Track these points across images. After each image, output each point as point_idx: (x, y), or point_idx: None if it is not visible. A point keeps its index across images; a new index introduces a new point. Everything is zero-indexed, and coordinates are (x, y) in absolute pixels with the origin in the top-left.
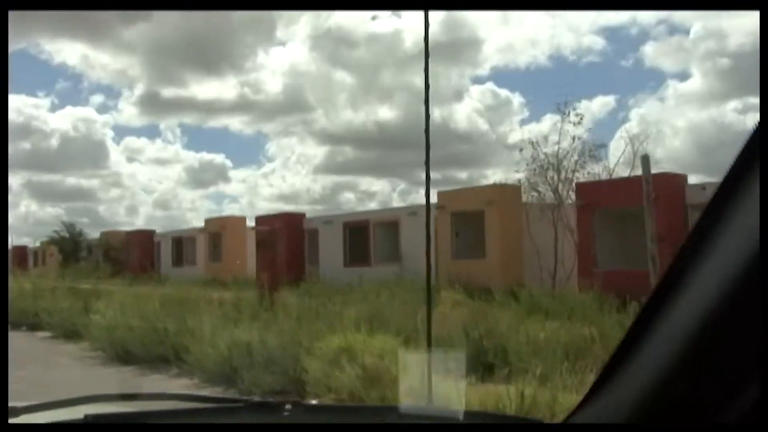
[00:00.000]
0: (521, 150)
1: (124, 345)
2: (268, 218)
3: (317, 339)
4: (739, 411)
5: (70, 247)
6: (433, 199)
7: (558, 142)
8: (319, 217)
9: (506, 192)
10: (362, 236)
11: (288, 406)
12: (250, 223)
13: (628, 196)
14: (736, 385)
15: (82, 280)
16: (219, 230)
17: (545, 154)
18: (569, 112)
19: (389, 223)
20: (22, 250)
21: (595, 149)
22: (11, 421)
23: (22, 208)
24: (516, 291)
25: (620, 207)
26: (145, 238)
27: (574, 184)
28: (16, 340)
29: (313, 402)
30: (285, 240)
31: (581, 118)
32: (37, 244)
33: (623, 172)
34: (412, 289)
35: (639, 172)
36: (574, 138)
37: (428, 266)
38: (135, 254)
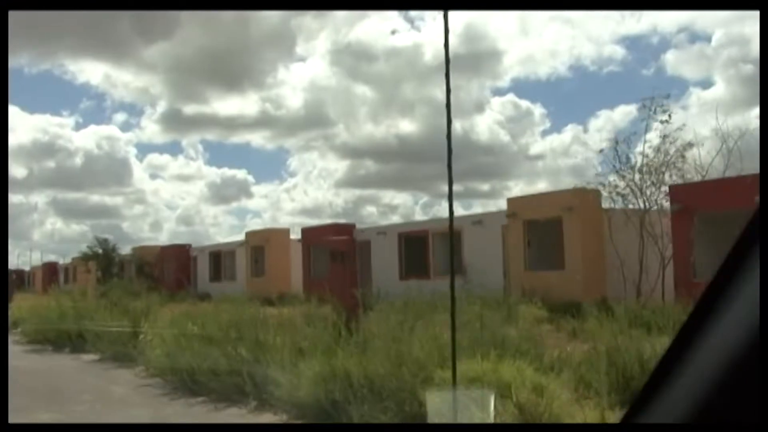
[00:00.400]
0: (601, 151)
1: (190, 372)
2: (316, 230)
3: (434, 366)
4: None
5: (104, 263)
6: (503, 205)
7: (643, 142)
8: (372, 228)
9: (586, 197)
10: (420, 247)
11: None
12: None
13: (735, 198)
14: None
15: (122, 297)
16: (261, 243)
17: (627, 156)
18: (655, 109)
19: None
20: (52, 267)
21: (684, 149)
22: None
23: (48, 225)
24: (612, 305)
25: (724, 210)
26: (180, 253)
27: (663, 187)
28: (60, 363)
29: None
30: (334, 251)
31: (670, 115)
32: (68, 260)
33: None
34: (488, 304)
35: (732, 173)
36: (664, 137)
37: (452, 283)
38: (170, 269)
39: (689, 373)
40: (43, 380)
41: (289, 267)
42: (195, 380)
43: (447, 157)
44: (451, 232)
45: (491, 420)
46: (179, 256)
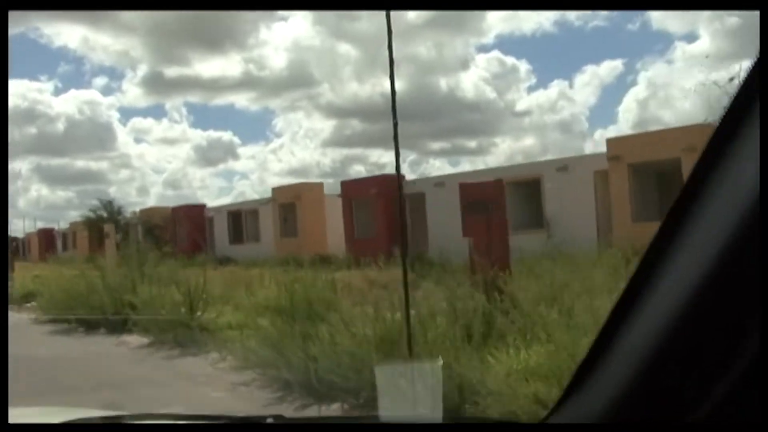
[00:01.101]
0: (731, 79)
1: (305, 364)
2: (359, 183)
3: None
4: (711, 407)
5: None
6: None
7: None
8: (427, 179)
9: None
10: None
11: (270, 420)
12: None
13: None
14: (710, 381)
15: (149, 264)
16: (292, 200)
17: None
18: None
19: (527, 182)
20: (48, 233)
21: None
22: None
23: (33, 192)
24: None
25: None
26: (195, 214)
27: None
28: (103, 350)
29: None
30: (380, 207)
31: None
32: (64, 226)
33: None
34: (595, 262)
35: None
36: None
37: (403, 249)
38: (184, 232)
39: (615, 366)
40: (92, 378)
41: (325, 226)
42: (320, 377)
43: (393, 129)
44: (400, 195)
45: (441, 391)
46: (193, 217)
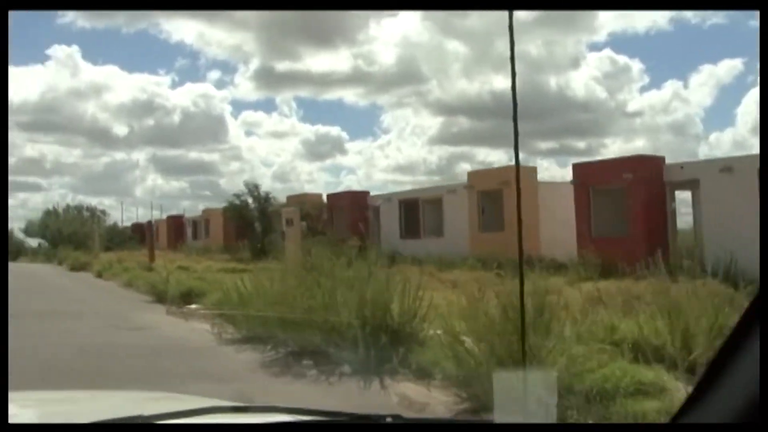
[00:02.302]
0: None
1: None
2: (604, 165)
3: None
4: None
5: (251, 215)
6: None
7: None
8: (705, 162)
9: None
10: None
11: (389, 419)
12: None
13: None
14: None
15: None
16: (496, 187)
17: None
18: None
19: None
20: (178, 221)
21: None
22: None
23: (149, 182)
24: None
25: None
26: (358, 202)
27: None
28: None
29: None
30: (636, 198)
31: None
32: (195, 213)
33: None
34: None
35: None
36: None
37: (520, 242)
38: (343, 222)
39: (746, 371)
40: None
41: (537, 219)
42: None
43: (513, 124)
44: (518, 190)
45: (556, 401)
46: (357, 206)
